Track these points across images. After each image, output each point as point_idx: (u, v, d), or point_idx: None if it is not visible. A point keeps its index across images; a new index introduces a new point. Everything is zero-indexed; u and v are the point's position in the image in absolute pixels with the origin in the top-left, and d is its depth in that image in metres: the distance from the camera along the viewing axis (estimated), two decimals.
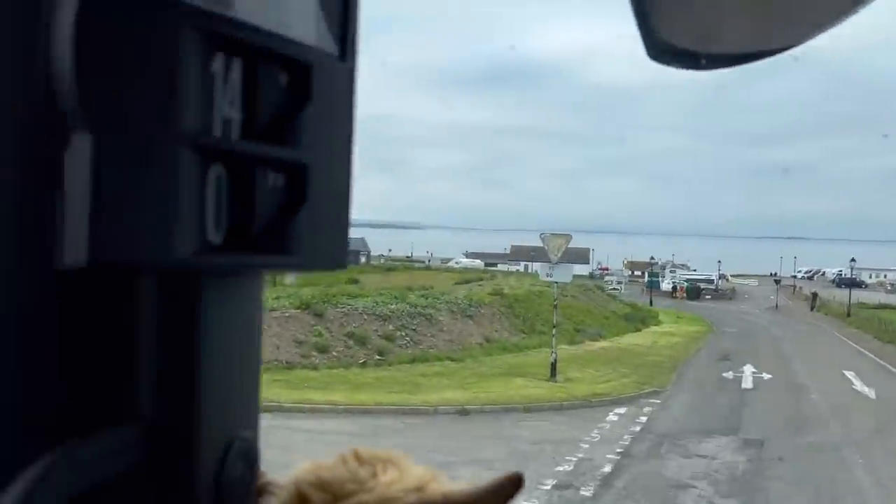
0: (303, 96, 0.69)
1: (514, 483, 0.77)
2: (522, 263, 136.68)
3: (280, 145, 0.68)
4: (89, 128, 0.57)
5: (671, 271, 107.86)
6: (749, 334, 47.03)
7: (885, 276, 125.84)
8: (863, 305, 78.69)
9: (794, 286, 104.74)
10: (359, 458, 0.81)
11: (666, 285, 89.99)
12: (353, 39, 0.76)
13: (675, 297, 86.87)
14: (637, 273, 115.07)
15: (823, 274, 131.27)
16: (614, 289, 75.47)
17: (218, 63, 0.63)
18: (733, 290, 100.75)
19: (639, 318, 47.02)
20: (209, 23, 0.61)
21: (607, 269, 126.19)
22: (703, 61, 0.89)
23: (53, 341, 0.61)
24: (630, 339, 40.86)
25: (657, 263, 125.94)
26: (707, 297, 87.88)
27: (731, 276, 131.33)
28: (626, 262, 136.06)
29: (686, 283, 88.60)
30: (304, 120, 0.69)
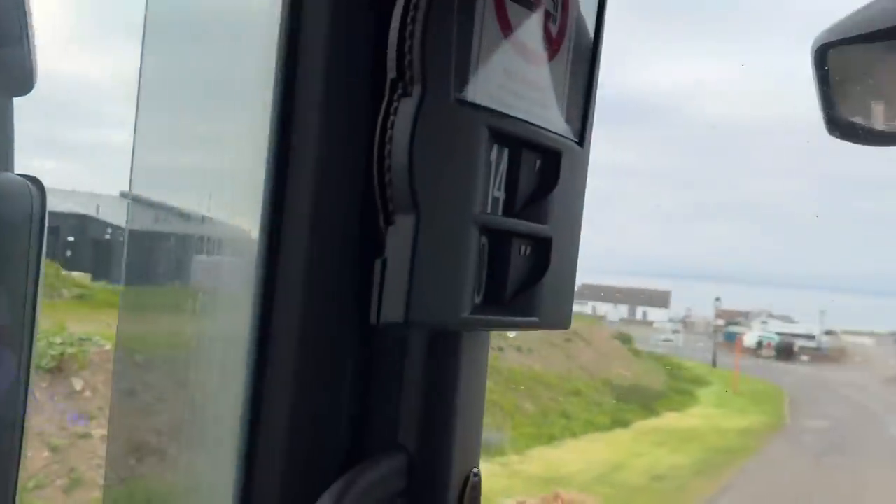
0: (552, 179, 0.75)
1: None
2: (590, 304, 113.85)
3: (532, 221, 0.74)
4: (413, 211, 0.62)
5: (763, 322, 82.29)
6: (851, 439, 24.41)
7: None
8: None
9: None
10: (562, 500, 0.79)
11: (749, 340, 65.58)
12: (590, 127, 0.80)
13: (760, 356, 62.53)
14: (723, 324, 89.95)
15: None
16: (668, 339, 52.87)
17: (494, 153, 0.69)
18: (842, 350, 74.16)
19: (653, 396, 25.75)
20: (495, 120, 0.68)
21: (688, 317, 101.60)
22: (882, 139, 0.86)
23: (350, 384, 0.68)
24: (551, 460, 15.87)
25: (748, 314, 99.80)
26: (803, 357, 62.80)
27: (843, 332, 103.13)
28: (718, 310, 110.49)
29: (776, 339, 63.93)
30: (552, 200, 0.75)
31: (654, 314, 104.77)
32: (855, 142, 0.85)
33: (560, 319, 0.80)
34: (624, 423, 20.34)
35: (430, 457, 0.72)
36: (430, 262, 0.63)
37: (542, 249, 0.74)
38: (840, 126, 0.83)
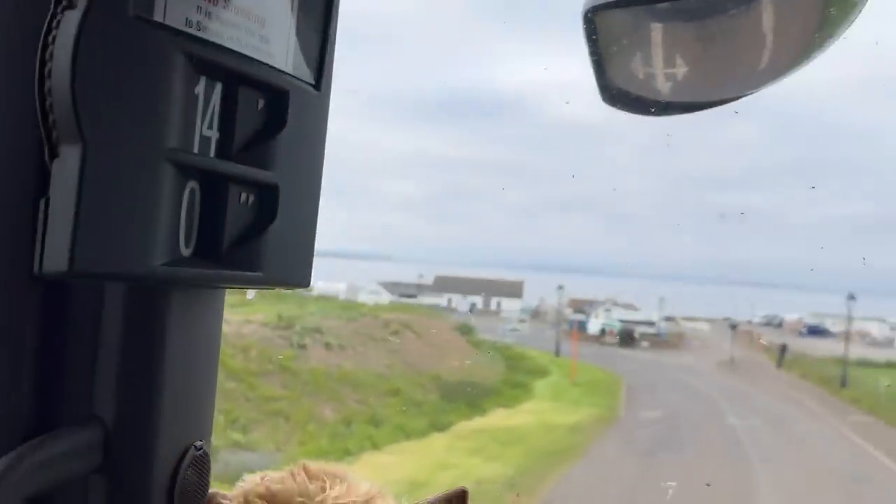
0: (278, 121, 0.69)
1: (460, 498, 0.72)
2: (446, 296, 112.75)
3: (254, 166, 0.68)
4: (79, 141, 0.53)
5: (606, 310, 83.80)
6: (685, 430, 23.01)
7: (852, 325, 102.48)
8: (857, 363, 55.22)
9: (752, 333, 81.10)
10: (308, 472, 0.77)
11: (593, 327, 65.99)
12: (328, 70, 0.75)
13: (605, 343, 63.01)
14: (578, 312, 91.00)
15: (782, 321, 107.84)
16: (515, 329, 51.63)
17: (201, 86, 0.63)
18: (680, 335, 76.73)
19: (484, 392, 23.47)
20: (194, 47, 0.61)
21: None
22: (653, 109, 0.85)
23: (22, 344, 0.59)
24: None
25: (594, 302, 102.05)
26: (644, 343, 63.96)
27: (682, 318, 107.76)
28: (569, 299, 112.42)
29: (618, 326, 64.64)
30: (278, 144, 0.69)
31: (508, 304, 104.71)
32: (629, 111, 0.83)
33: (295, 277, 0.72)
34: (443, 426, 17.60)
35: (133, 429, 0.64)
36: (103, 203, 0.54)
37: (267, 198, 0.67)
38: (613, 95, 0.81)
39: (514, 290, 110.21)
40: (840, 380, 36.82)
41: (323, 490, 0.74)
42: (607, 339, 64.06)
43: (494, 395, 23.29)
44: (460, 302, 59.54)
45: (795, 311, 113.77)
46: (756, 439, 20.44)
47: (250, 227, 0.66)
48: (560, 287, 50.76)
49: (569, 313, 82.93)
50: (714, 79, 0.85)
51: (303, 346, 18.02)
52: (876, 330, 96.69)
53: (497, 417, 20.17)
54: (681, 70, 0.84)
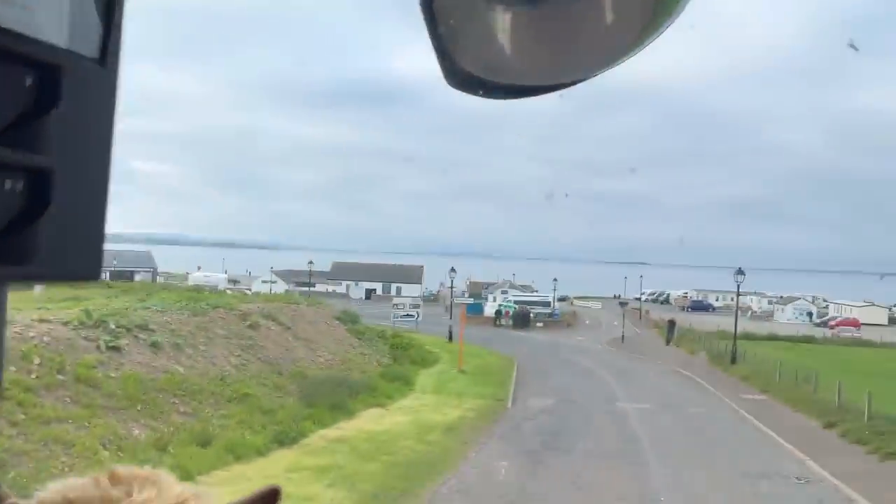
0: (49, 100, 0.62)
1: (272, 495, 0.69)
2: (344, 283, 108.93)
3: (21, 149, 0.61)
4: None
5: (503, 292, 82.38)
6: (575, 419, 20.70)
7: (732, 299, 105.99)
8: (742, 337, 55.38)
9: (641, 310, 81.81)
10: (114, 477, 0.70)
11: (490, 309, 64.10)
12: (115, 43, 0.68)
13: (500, 325, 61.30)
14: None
15: (668, 296, 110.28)
16: (409, 315, 48.69)
17: None
18: (574, 314, 76.20)
19: (356, 389, 20.22)
20: None
21: (440, 291, 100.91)
22: (481, 91, 0.83)
23: None
24: None
25: (492, 284, 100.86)
26: (539, 324, 62.68)
27: (575, 298, 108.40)
28: (468, 282, 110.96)
29: (514, 307, 62.99)
30: (52, 125, 0.62)
31: (409, 290, 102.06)
32: (474, 93, 0.81)
33: (81, 269, 0.65)
34: (292, 440, 14.32)
35: None
36: None
37: (39, 184, 0.60)
38: (457, 77, 0.79)
39: (414, 275, 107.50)
40: (730, 356, 36.00)
41: (128, 495, 0.68)
42: (503, 321, 62.37)
43: (369, 392, 20.23)
44: (355, 289, 56.09)
45: (681, 288, 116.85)
46: (653, 431, 18.35)
47: (18, 216, 0.58)
48: (452, 270, 48.21)
49: (466, 297, 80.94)
50: (556, 61, 0.81)
51: (115, 349, 14.36)
52: (755, 304, 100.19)
53: (365, 420, 17.13)
54: (521, 53, 0.81)
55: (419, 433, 16.03)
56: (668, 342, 49.46)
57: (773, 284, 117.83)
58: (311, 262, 62.20)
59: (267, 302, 27.67)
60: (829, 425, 18.74)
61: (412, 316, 47.92)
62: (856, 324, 77.55)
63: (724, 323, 67.58)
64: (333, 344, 26.10)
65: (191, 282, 68.11)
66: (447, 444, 15.19)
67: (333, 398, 17.88)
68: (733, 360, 34.77)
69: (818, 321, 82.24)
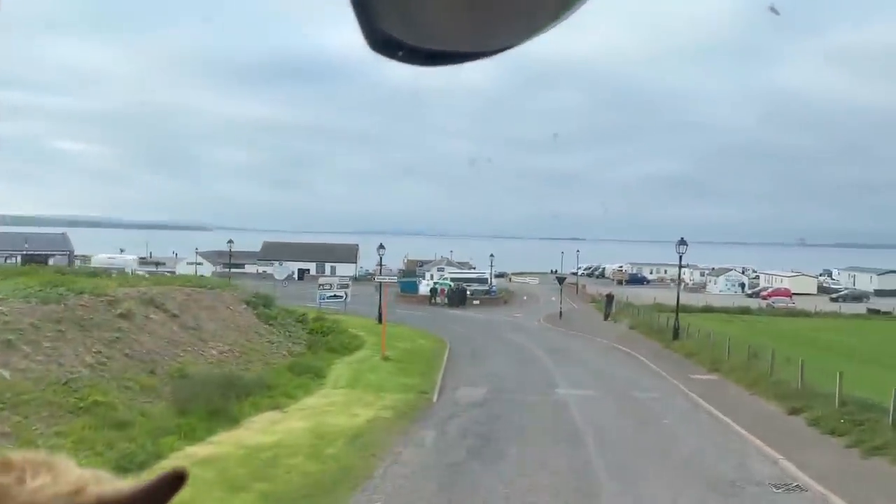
0: None
1: (177, 479, 0.66)
2: (276, 264, 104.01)
3: None
4: None
5: (439, 269, 79.35)
6: (509, 415, 17.93)
7: (666, 272, 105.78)
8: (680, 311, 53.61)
9: (577, 285, 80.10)
10: (6, 464, 0.66)
11: (424, 288, 60.97)
12: None
13: (435, 304, 58.27)
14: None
15: (604, 271, 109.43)
16: (336, 296, 45.03)
17: None
18: (511, 290, 73.89)
19: (249, 387, 16.98)
20: None
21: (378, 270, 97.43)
22: (400, 54, 0.82)
23: None
24: None
25: (429, 262, 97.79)
26: (476, 302, 59.90)
27: (513, 274, 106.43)
28: (405, 260, 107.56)
29: (449, 285, 60.02)
30: None
31: (343, 270, 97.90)
32: (393, 58, 0.81)
33: None
34: (140, 463, 10.80)
35: None
36: None
37: None
38: (377, 40, 0.78)
39: (348, 254, 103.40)
40: (672, 331, 33.76)
41: (20, 482, 0.63)
42: (438, 299, 59.35)
43: (265, 391, 16.72)
44: (280, 270, 52.05)
45: (616, 262, 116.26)
46: (598, 427, 15.49)
47: None
48: (380, 246, 44.78)
49: (391, 276, 77.50)
50: (478, 28, 0.79)
51: None
52: (688, 276, 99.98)
53: (252, 429, 13.67)
54: (442, 18, 0.80)
55: (316, 445, 12.66)
56: (606, 317, 47.35)
57: (704, 257, 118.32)
58: (230, 242, 57.68)
59: (158, 285, 23.73)
60: (794, 411, 16.24)
61: (340, 297, 44.33)
62: (787, 293, 77.65)
63: (661, 296, 66.25)
64: (234, 333, 22.41)
65: (94, 264, 62.62)
66: (349, 459, 11.91)
67: (215, 402, 14.34)
68: (676, 336, 32.55)
69: (750, 292, 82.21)
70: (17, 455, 0.66)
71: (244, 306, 26.53)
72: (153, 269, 69.78)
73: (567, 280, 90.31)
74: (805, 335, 43.11)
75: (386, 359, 23.93)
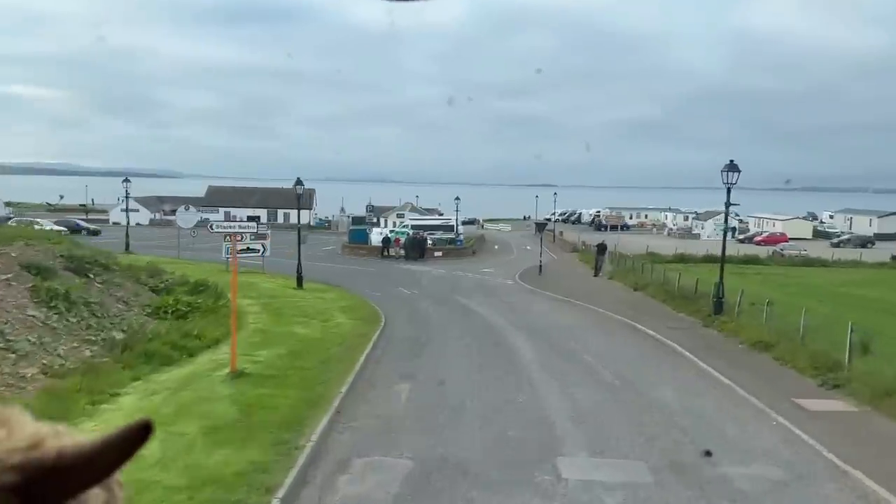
0: None
1: (142, 430, 0.60)
2: (222, 210, 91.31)
3: None
4: None
5: (398, 215, 67.55)
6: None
7: (647, 217, 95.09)
8: (678, 260, 42.51)
9: (554, 231, 68.90)
10: None
11: (377, 237, 49.26)
12: None
13: (389, 256, 46.79)
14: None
15: (580, 216, 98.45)
16: (250, 249, 33.45)
17: None
18: (481, 238, 62.47)
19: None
20: None
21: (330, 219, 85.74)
22: None
23: None
24: None
25: (390, 209, 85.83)
26: (438, 253, 48.49)
27: (485, 220, 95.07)
28: (368, 206, 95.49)
29: (406, 234, 48.32)
30: None
31: (296, 216, 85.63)
32: None
33: None
34: None
35: None
36: None
37: None
38: None
39: (303, 200, 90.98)
40: (713, 301, 22.37)
41: None
42: (393, 250, 47.74)
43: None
44: (187, 216, 39.90)
45: (591, 207, 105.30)
46: None
47: None
48: (297, 182, 32.99)
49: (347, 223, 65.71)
50: None
51: None
52: (670, 220, 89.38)
53: None
54: None
55: None
56: (597, 272, 36.28)
57: (680, 202, 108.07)
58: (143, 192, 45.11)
59: None
60: None
61: (256, 249, 32.57)
62: (784, 238, 67.51)
63: (650, 243, 55.48)
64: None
65: None
66: None
67: None
68: (719, 309, 21.16)
69: (742, 237, 71.84)
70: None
71: (18, 275, 14.80)
72: (55, 222, 57.16)
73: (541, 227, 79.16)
74: (843, 292, 32.54)
75: (238, 375, 12.40)
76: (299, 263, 27.88)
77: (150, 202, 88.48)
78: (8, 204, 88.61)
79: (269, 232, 33.29)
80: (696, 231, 77.84)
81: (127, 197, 41.57)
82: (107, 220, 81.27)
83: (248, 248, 32.51)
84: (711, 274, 35.20)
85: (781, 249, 54.18)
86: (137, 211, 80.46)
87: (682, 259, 47.46)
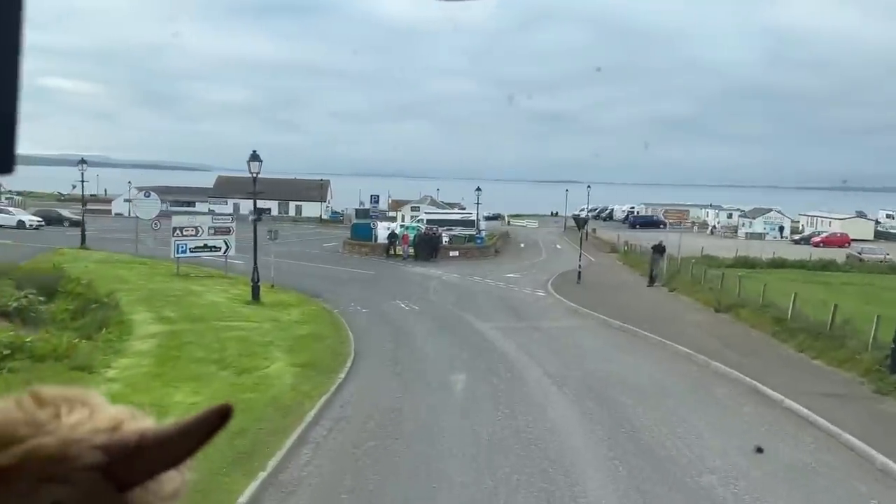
0: None
1: (222, 415, 0.58)
2: (231, 202, 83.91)
3: None
4: None
5: (413, 208, 59.28)
6: None
7: (686, 214, 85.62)
8: (740, 265, 33.27)
9: (587, 229, 59.84)
10: (39, 399, 0.60)
11: (384, 232, 41.06)
12: None
13: (395, 256, 38.63)
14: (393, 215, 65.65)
15: (612, 212, 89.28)
16: (209, 246, 25.45)
17: None
18: (505, 235, 53.99)
19: None
20: None
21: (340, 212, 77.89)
22: None
23: None
24: None
25: (407, 203, 77.61)
26: (453, 253, 40.20)
27: (510, 216, 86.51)
28: (390, 201, 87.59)
29: (414, 231, 39.95)
30: None
31: (309, 209, 77.90)
32: None
33: None
34: None
35: None
36: None
37: None
38: None
39: (315, 191, 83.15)
40: (838, 329, 13.64)
41: (57, 417, 0.57)
42: (400, 249, 39.39)
43: None
44: (147, 204, 32.05)
45: (624, 202, 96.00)
46: None
47: None
48: (253, 157, 24.68)
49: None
50: None
51: None
52: (712, 217, 79.80)
53: None
54: None
55: None
56: (652, 281, 27.70)
57: (716, 199, 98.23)
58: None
59: None
60: None
61: (218, 247, 24.65)
62: (845, 239, 58.06)
63: (702, 243, 46.55)
64: None
65: None
66: None
67: None
68: (841, 343, 12.30)
69: (797, 238, 62.34)
70: (49, 390, 0.59)
71: None
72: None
73: (572, 224, 70.33)
74: None
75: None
76: (255, 270, 19.69)
77: (158, 191, 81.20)
78: (19, 193, 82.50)
79: (232, 225, 25.17)
80: (742, 230, 68.37)
81: (82, 181, 33.76)
82: (109, 212, 74.10)
83: (205, 246, 24.61)
84: (778, 280, 26.40)
85: (860, 253, 44.65)
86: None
87: (745, 263, 38.48)
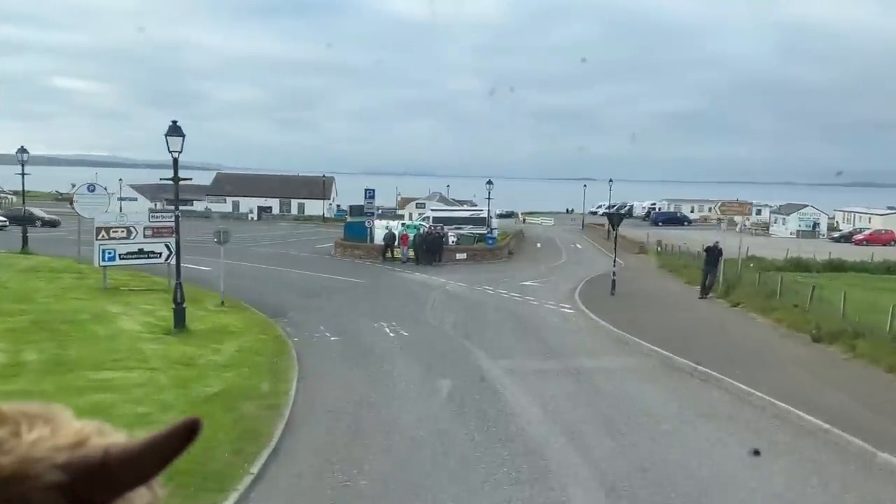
0: None
1: (190, 429, 0.55)
2: (230, 200, 78.56)
3: None
4: None
5: (418, 205, 53.54)
6: None
7: (711, 210, 79.07)
8: (789, 269, 27.00)
9: (606, 226, 53.80)
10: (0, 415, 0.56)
11: (379, 233, 35.27)
12: None
13: (393, 258, 32.91)
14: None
15: (631, 209, 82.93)
16: (144, 252, 20.11)
17: None
18: (520, 234, 48.06)
19: None
20: None
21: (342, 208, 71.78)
22: None
23: None
24: None
25: (414, 200, 71.75)
26: (461, 255, 34.43)
27: (525, 213, 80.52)
28: (399, 198, 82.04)
29: (415, 230, 34.09)
30: None
31: (312, 206, 72.48)
32: None
33: None
34: None
35: None
36: None
37: None
38: None
39: (319, 189, 77.56)
40: None
41: (16, 435, 0.53)
42: (398, 251, 33.57)
43: None
44: (92, 201, 26.57)
45: (645, 199, 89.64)
46: None
47: None
48: (174, 129, 18.85)
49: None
50: None
51: None
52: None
53: None
54: None
55: None
56: (705, 291, 21.76)
57: (734, 195, 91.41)
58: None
59: None
60: None
61: (157, 253, 19.09)
62: (891, 237, 51.67)
63: (748, 244, 40.36)
64: None
65: None
66: None
67: None
68: None
69: (837, 235, 55.86)
70: (9, 406, 0.55)
71: None
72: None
73: (590, 221, 64.22)
74: None
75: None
76: (178, 287, 13.88)
77: (148, 189, 75.86)
78: (15, 193, 77.86)
79: (172, 225, 19.40)
80: (774, 227, 61.90)
81: (23, 175, 28.30)
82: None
83: (140, 251, 18.95)
84: (847, 285, 20.28)
85: None
86: (136, 200, 68.81)
87: (798, 266, 32.41)
